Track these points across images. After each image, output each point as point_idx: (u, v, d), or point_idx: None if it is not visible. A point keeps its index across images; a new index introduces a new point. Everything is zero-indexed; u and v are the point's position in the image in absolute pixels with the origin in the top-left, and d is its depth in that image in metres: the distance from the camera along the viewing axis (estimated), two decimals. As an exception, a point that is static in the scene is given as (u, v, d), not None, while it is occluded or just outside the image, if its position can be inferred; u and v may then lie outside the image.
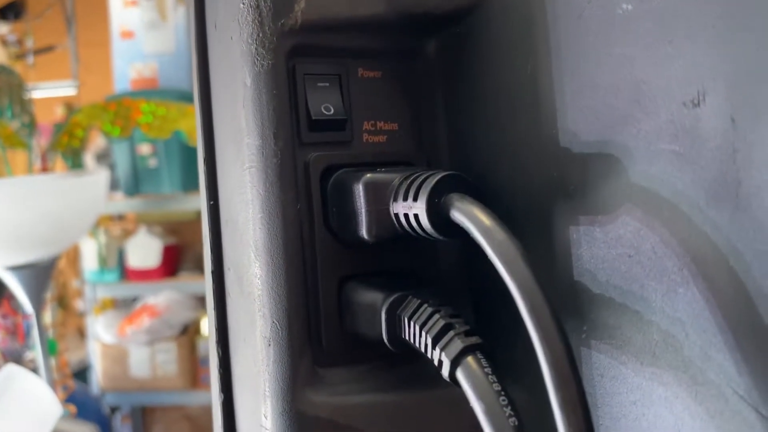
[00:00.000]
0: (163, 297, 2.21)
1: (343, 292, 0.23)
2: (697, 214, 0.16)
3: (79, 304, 2.49)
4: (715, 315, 0.16)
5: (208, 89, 0.26)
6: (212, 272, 0.26)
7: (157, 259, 2.20)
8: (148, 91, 2.11)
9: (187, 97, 2.12)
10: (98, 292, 2.23)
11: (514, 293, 0.17)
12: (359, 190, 0.21)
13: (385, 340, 0.21)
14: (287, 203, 0.22)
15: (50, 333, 2.14)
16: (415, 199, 0.19)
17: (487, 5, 0.22)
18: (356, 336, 0.23)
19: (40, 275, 1.10)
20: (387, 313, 0.21)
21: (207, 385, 2.25)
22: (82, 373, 2.31)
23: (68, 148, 1.87)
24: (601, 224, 0.19)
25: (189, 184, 2.18)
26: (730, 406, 0.16)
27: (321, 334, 0.23)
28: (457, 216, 0.19)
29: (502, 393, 0.17)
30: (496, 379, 0.18)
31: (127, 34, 2.18)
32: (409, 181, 0.20)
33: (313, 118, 0.22)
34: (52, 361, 1.59)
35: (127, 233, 2.25)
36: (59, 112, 2.36)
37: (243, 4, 0.22)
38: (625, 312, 0.18)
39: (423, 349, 0.19)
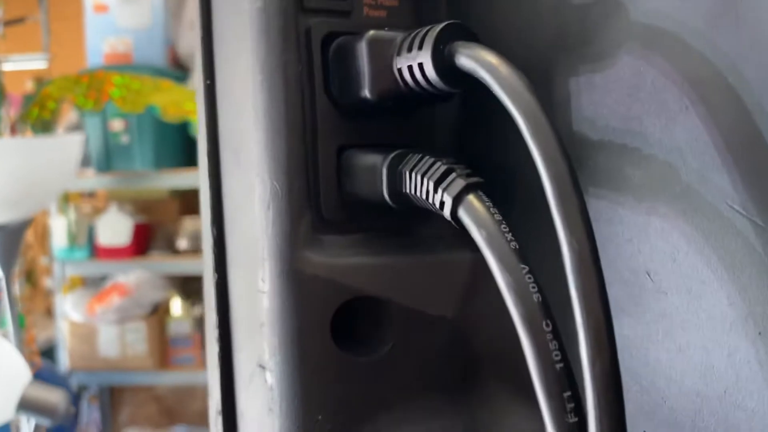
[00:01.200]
0: (133, 276, 2.19)
1: (342, 159, 0.23)
2: (697, 39, 0.17)
3: (47, 282, 2.45)
4: (714, 137, 0.17)
5: None
6: (207, 153, 0.26)
7: (128, 238, 2.18)
8: (122, 65, 2.08)
9: (162, 73, 2.09)
10: (67, 270, 2.20)
11: (519, 122, 0.17)
12: (362, 47, 0.21)
13: (386, 196, 0.21)
14: (288, 64, 0.22)
15: (18, 308, 2.10)
16: (420, 48, 0.20)
17: None
18: (355, 203, 0.23)
19: (11, 238, 1.08)
20: (388, 168, 0.21)
21: (177, 366, 2.23)
22: (49, 353, 2.28)
23: (38, 120, 1.84)
24: (601, 70, 0.19)
25: (161, 162, 2.16)
26: (725, 223, 0.17)
27: (320, 200, 0.23)
28: (463, 60, 0.19)
29: (503, 222, 0.17)
30: (497, 211, 0.18)
31: (101, 8, 2.15)
32: (412, 34, 0.20)
33: None
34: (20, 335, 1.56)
35: (98, 210, 2.22)
36: (29, 86, 2.31)
37: None
38: (623, 152, 0.19)
39: (425, 197, 0.20)
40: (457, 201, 0.18)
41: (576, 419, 0.15)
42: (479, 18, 0.23)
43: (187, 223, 2.24)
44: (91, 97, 1.83)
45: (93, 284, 2.36)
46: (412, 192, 0.20)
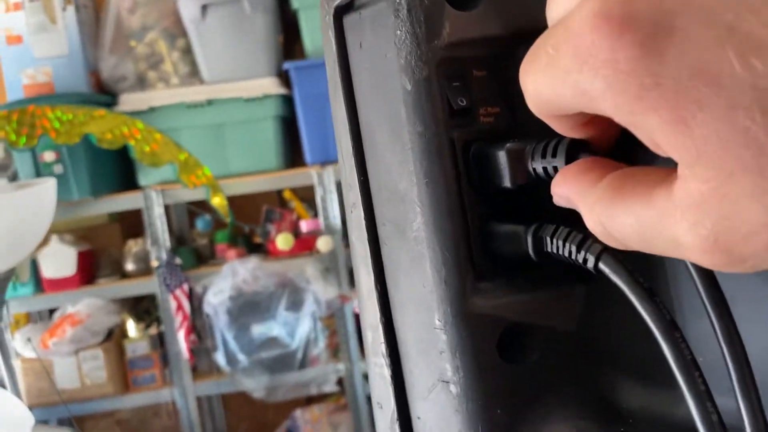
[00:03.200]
0: (83, 305, 2.18)
1: (487, 229, 0.33)
2: None
3: (-9, 323, 2.39)
4: None
5: (352, 94, 0.35)
6: (367, 229, 0.35)
7: (73, 267, 2.17)
8: (45, 96, 2.06)
9: (89, 101, 2.08)
10: (12, 308, 2.16)
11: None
12: (502, 154, 0.31)
13: (532, 254, 0.31)
14: (445, 168, 0.32)
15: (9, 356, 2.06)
16: (553, 156, 0.30)
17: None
18: (498, 258, 0.33)
19: (-2, 289, 1.10)
20: (533, 235, 0.31)
21: (138, 387, 2.25)
22: None
23: (-29, 162, 1.80)
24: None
25: (98, 188, 2.16)
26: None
27: (474, 259, 0.32)
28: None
29: (635, 273, 0.28)
30: (629, 266, 0.28)
31: (14, 39, 2.11)
32: (542, 145, 0.30)
33: (454, 108, 0.32)
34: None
35: (39, 245, 2.19)
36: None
37: (400, 31, 0.31)
38: None
39: (567, 255, 0.30)
40: (598, 258, 0.28)
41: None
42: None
43: (131, 246, 2.25)
44: (23, 133, 1.81)
45: (39, 319, 2.33)
46: (554, 251, 0.30)
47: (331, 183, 2.20)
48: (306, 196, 2.36)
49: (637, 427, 0.32)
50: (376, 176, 0.35)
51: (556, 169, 0.30)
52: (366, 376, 2.24)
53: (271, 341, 2.20)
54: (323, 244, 2.20)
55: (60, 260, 2.16)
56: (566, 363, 0.33)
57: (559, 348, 0.33)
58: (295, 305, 2.21)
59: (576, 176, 0.23)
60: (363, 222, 0.35)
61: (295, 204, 2.37)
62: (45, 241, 2.19)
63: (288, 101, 2.28)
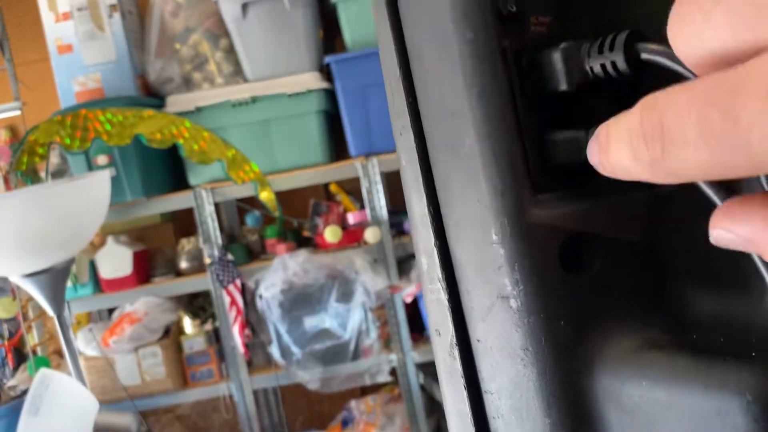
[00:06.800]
0: (140, 303, 2.23)
1: (543, 137, 0.32)
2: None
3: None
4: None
5: (397, 14, 0.35)
6: (417, 152, 0.35)
7: (129, 267, 2.22)
8: (99, 101, 2.11)
9: (138, 103, 2.13)
10: (73, 308, 2.23)
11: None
12: (557, 55, 0.30)
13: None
14: (497, 75, 0.31)
15: (39, 352, 2.13)
16: (611, 50, 0.29)
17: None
18: (555, 168, 0.32)
19: (57, 278, 1.13)
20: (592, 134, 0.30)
21: (196, 383, 2.29)
22: (67, 392, 2.30)
23: (29, 167, 1.87)
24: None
25: (150, 190, 2.20)
26: None
27: (531, 171, 0.32)
28: (646, 54, 0.28)
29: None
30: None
31: (65, 48, 2.18)
32: (599, 41, 0.29)
33: (504, 13, 0.31)
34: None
35: (96, 246, 2.25)
36: (2, 136, 2.32)
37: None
38: None
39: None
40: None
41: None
42: (614, 24, 0.32)
43: (184, 244, 2.29)
44: (76, 136, 1.87)
45: (99, 319, 2.39)
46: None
47: (376, 174, 2.21)
48: (352, 188, 2.36)
49: (707, 337, 0.31)
50: (424, 97, 0.34)
51: (614, 65, 0.29)
52: (419, 366, 2.24)
53: (324, 333, 2.21)
54: (371, 235, 2.20)
55: (116, 261, 2.21)
56: (630, 273, 0.32)
57: (623, 258, 0.32)
58: (346, 297, 2.22)
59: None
60: (413, 145, 0.35)
61: (342, 197, 2.38)
62: (102, 243, 2.26)
63: (330, 95, 2.29)
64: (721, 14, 0.15)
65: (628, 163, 0.18)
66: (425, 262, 0.36)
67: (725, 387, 0.26)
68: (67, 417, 1.06)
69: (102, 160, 2.14)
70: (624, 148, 0.18)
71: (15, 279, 1.11)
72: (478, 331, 0.34)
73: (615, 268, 0.32)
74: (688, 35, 0.17)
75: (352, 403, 2.32)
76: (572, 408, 0.31)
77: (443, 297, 0.35)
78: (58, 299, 1.19)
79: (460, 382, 0.35)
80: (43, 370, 1.12)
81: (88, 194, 1.12)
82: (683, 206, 0.30)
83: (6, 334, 2.22)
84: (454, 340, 0.35)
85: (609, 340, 0.32)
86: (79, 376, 1.21)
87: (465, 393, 0.35)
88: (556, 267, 0.31)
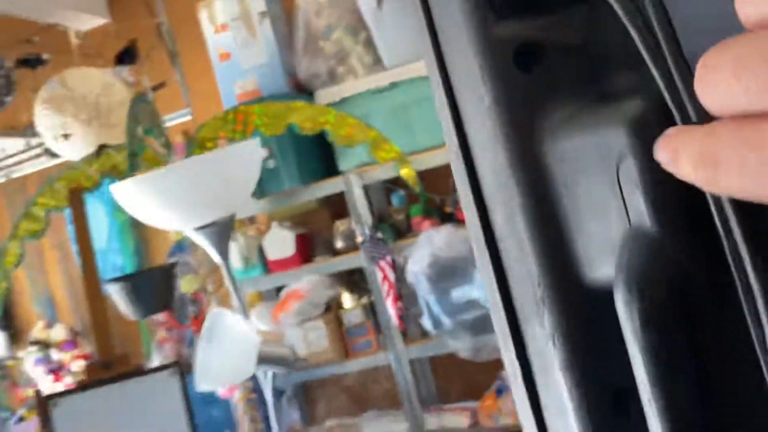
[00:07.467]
0: (304, 281, 2.45)
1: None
2: None
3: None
4: None
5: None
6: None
7: (293, 249, 2.44)
8: (256, 100, 2.36)
9: (290, 98, 2.35)
10: (246, 288, 2.48)
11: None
12: None
13: None
14: None
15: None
16: None
17: None
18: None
19: (222, 231, 1.33)
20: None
21: (357, 353, 2.46)
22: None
23: (201, 160, 2.13)
24: None
25: (306, 177, 2.41)
26: None
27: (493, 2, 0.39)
28: None
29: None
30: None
31: (225, 56, 2.45)
32: None
33: None
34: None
35: (261, 232, 2.50)
36: (178, 139, 2.65)
37: None
38: None
39: None
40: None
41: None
42: None
43: (339, 226, 2.48)
44: (238, 129, 2.11)
45: (268, 298, 2.65)
46: None
47: (515, 145, 2.25)
48: (492, 162, 2.42)
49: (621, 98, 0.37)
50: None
51: None
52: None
53: (471, 303, 2.29)
54: (513, 205, 2.25)
55: (281, 244, 2.45)
56: (570, 70, 0.38)
57: (565, 58, 0.38)
58: (491, 267, 2.28)
59: None
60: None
61: (483, 172, 2.45)
62: (267, 228, 2.50)
63: (465, 73, 2.37)
64: (736, 81, 0.19)
65: (689, 170, 0.22)
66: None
67: (612, 122, 0.33)
68: (235, 345, 1.23)
69: (263, 152, 2.38)
70: (687, 165, 0.22)
71: (189, 232, 1.33)
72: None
73: (558, 66, 0.38)
74: (714, 98, 0.20)
75: (505, 373, 2.37)
76: (533, 170, 0.38)
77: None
78: (223, 249, 1.40)
79: None
80: (216, 309, 1.32)
81: (242, 158, 1.30)
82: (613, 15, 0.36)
83: (191, 315, 2.53)
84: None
85: (552, 117, 0.38)
86: (244, 314, 1.39)
87: None
88: (511, 67, 0.38)
